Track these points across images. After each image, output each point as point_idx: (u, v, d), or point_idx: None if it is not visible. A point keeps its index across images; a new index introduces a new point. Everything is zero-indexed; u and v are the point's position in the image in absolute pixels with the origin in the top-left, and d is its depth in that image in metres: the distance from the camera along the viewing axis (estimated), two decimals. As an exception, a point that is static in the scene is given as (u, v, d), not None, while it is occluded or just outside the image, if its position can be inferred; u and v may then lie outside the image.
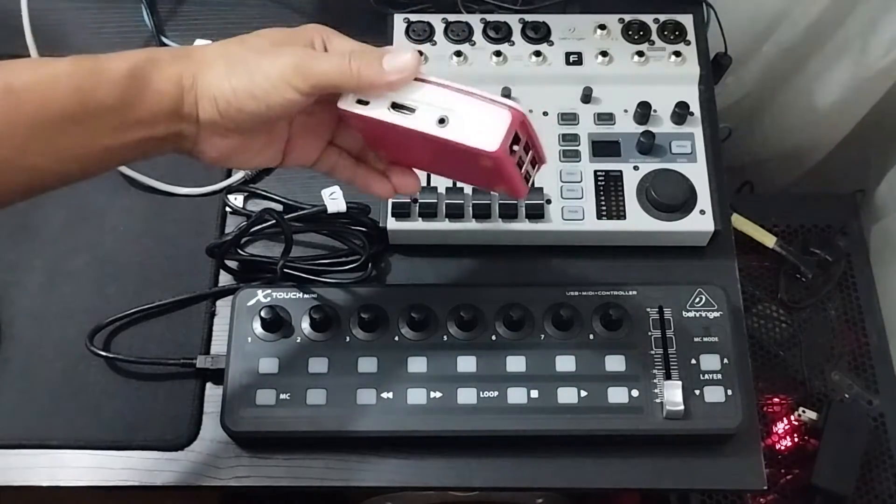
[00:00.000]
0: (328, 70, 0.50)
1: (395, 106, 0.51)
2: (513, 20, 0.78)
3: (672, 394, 0.64)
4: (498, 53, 0.76)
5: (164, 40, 0.84)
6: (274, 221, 0.69)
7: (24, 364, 0.70)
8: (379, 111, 0.51)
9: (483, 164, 0.51)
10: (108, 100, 0.48)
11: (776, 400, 0.94)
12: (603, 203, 0.71)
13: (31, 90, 0.47)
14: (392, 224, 0.70)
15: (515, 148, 0.51)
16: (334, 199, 0.70)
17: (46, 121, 0.47)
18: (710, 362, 0.65)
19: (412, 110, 0.51)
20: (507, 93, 0.74)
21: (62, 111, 0.47)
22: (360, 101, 0.52)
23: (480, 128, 0.49)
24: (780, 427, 0.93)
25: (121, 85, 0.48)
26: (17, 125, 0.46)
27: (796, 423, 0.92)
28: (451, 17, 0.78)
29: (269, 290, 0.68)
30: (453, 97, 0.50)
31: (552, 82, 0.75)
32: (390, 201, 0.70)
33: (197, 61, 0.50)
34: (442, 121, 0.50)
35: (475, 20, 0.78)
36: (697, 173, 0.72)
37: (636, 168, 0.72)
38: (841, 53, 0.94)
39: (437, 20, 0.78)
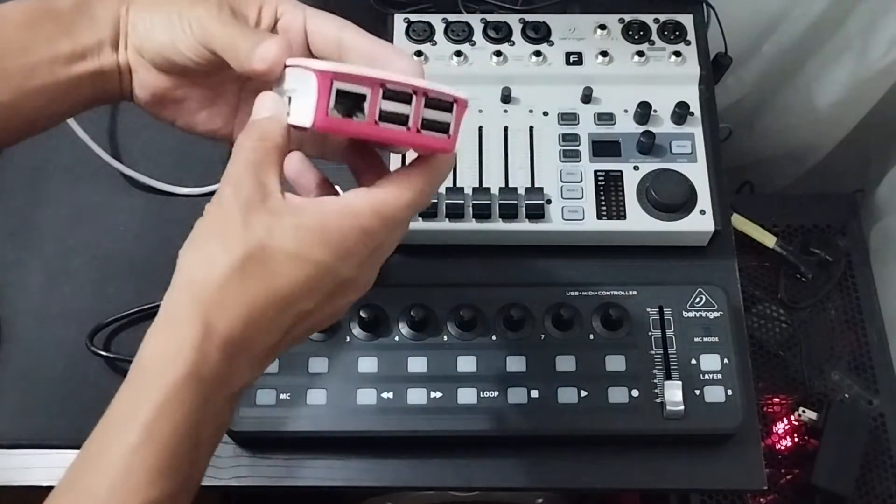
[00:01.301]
0: (218, 36, 0.46)
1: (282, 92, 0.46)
2: (513, 20, 0.78)
3: (672, 394, 0.64)
4: (498, 53, 0.76)
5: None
6: (274, 221, 0.69)
7: (24, 364, 0.70)
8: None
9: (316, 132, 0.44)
10: (57, 31, 0.48)
11: (776, 400, 0.94)
12: (603, 203, 0.71)
13: None
14: (392, 224, 0.70)
15: (365, 105, 0.42)
16: (334, 199, 0.70)
17: None
18: (710, 362, 0.65)
19: (289, 99, 0.45)
20: (507, 93, 0.74)
21: (14, 41, 0.48)
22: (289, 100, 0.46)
23: (303, 102, 0.43)
24: (780, 427, 0.93)
25: (68, 14, 0.49)
26: None
27: (796, 423, 0.92)
28: (451, 17, 0.78)
29: (269, 290, 0.68)
30: (294, 74, 0.44)
31: (552, 82, 0.75)
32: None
33: None
34: (290, 102, 0.45)
35: (475, 20, 0.78)
36: (697, 173, 0.72)
37: (636, 168, 0.72)
38: (841, 53, 0.94)
39: (437, 20, 0.78)
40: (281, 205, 0.43)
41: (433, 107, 0.44)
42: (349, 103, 0.42)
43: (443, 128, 0.44)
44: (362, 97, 0.42)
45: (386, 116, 0.43)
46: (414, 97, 0.43)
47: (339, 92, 0.42)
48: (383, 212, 0.44)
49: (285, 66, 0.46)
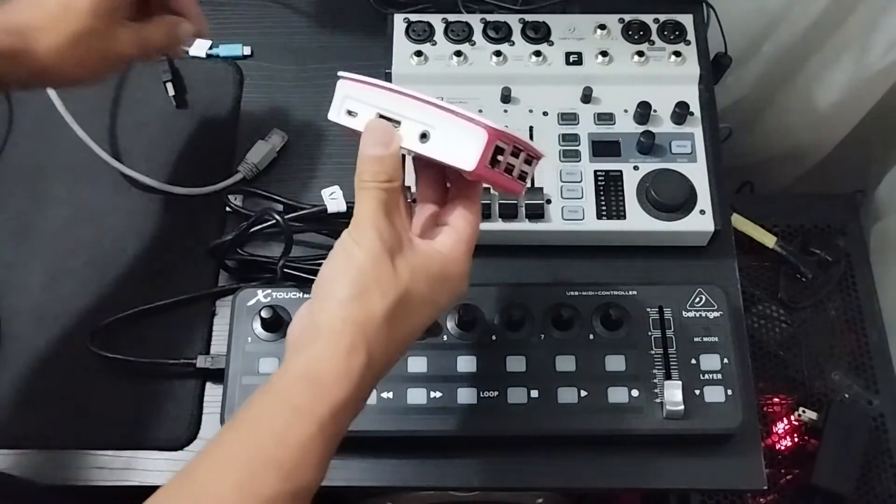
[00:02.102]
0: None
1: (382, 117, 0.52)
2: (513, 20, 0.78)
3: (672, 394, 0.64)
4: (498, 53, 0.76)
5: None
6: (274, 221, 0.69)
7: (24, 364, 0.70)
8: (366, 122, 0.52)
9: (468, 176, 0.51)
10: None
11: (776, 400, 0.94)
12: (603, 203, 0.71)
13: None
14: (392, 224, 0.70)
15: (500, 158, 0.51)
16: (334, 199, 0.70)
17: None
18: (710, 362, 0.65)
19: (398, 123, 0.51)
20: (507, 93, 0.74)
21: None
22: (349, 113, 0.53)
23: (459, 145, 0.50)
24: (780, 427, 0.93)
25: None
26: None
27: (796, 423, 0.92)
28: (451, 17, 0.78)
29: (269, 290, 0.68)
30: (433, 112, 0.51)
31: (552, 82, 0.75)
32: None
33: None
34: (424, 136, 0.51)
35: (475, 20, 0.78)
36: (697, 173, 0.72)
37: (636, 168, 0.72)
38: (841, 53, 0.94)
39: (437, 20, 0.78)
40: (413, 250, 0.51)
41: (527, 161, 0.54)
42: (494, 156, 0.51)
43: (524, 176, 0.54)
44: (502, 150, 0.51)
45: (507, 168, 0.52)
46: (521, 153, 0.53)
47: (495, 147, 0.51)
48: (470, 250, 0.54)
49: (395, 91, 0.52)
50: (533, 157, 0.54)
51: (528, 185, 0.56)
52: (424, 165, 0.56)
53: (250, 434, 0.47)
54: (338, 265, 0.50)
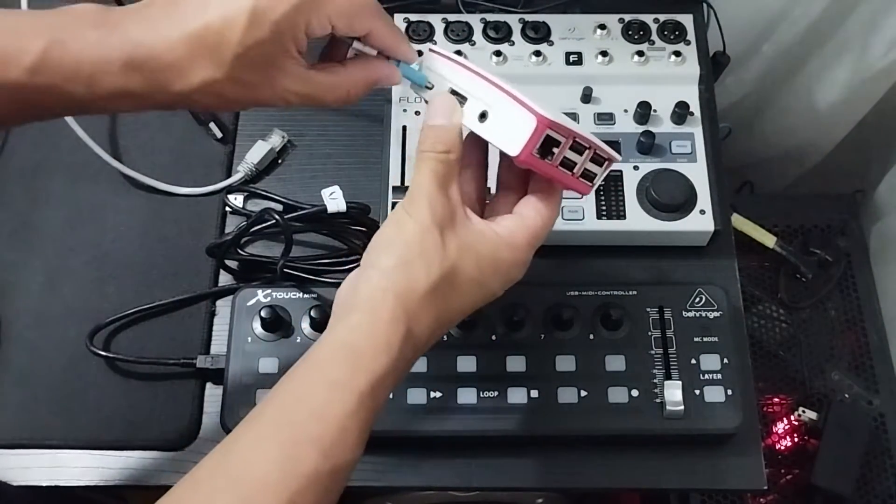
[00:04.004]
0: None
1: (453, 92, 0.53)
2: (513, 20, 0.78)
3: (672, 394, 0.64)
4: (498, 53, 0.76)
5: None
6: (274, 221, 0.69)
7: (24, 364, 0.70)
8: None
9: (516, 162, 0.51)
10: None
11: (776, 400, 0.94)
12: (603, 203, 0.71)
13: None
14: (392, 224, 0.70)
15: (555, 150, 0.50)
16: (334, 199, 0.70)
17: None
18: (710, 362, 0.65)
19: (464, 99, 0.52)
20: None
21: None
22: (426, 87, 0.55)
23: (510, 130, 0.50)
24: (780, 427, 0.93)
25: None
26: None
27: (796, 423, 0.92)
28: (451, 17, 0.78)
29: (269, 290, 0.68)
30: (495, 93, 0.51)
31: (552, 82, 0.75)
32: (390, 202, 0.70)
33: None
34: (483, 115, 0.51)
35: (475, 20, 0.78)
36: (697, 173, 0.72)
37: (636, 168, 0.72)
38: (841, 53, 0.94)
39: (437, 20, 0.78)
40: (465, 226, 0.51)
41: (594, 160, 0.53)
42: (547, 146, 0.50)
43: (591, 176, 0.53)
44: (557, 143, 0.50)
45: (564, 162, 0.51)
46: (587, 150, 0.52)
47: (546, 137, 0.49)
48: (534, 242, 0.52)
49: (465, 67, 0.52)
50: (604, 159, 0.53)
51: (595, 186, 0.54)
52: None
53: (289, 410, 0.47)
54: (387, 234, 0.50)
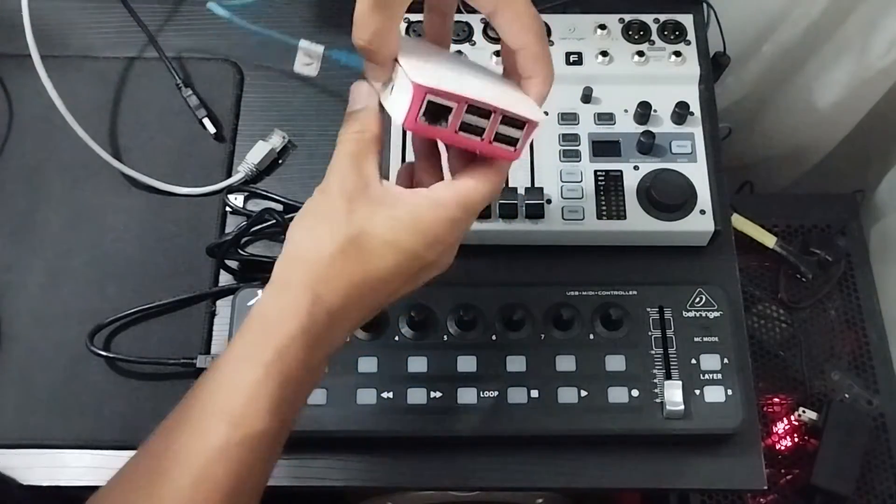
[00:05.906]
0: None
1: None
2: (513, 20, 0.78)
3: (672, 394, 0.64)
4: (498, 53, 0.76)
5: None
6: (274, 221, 0.69)
7: (24, 364, 0.70)
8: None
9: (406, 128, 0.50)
10: None
11: (776, 400, 0.94)
12: (603, 203, 0.71)
13: None
14: (392, 224, 0.70)
15: (449, 116, 0.48)
16: (334, 199, 0.70)
17: None
18: (710, 362, 0.65)
19: (391, 87, 0.51)
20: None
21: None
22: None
23: (399, 101, 0.49)
24: (780, 427, 0.93)
25: None
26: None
27: (796, 423, 0.92)
28: (451, 17, 0.78)
29: (269, 290, 0.68)
30: (397, 69, 0.50)
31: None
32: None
33: None
34: (391, 91, 0.51)
35: (475, 20, 0.78)
36: (697, 173, 0.72)
37: (636, 168, 0.72)
38: (841, 53, 0.94)
39: (437, 20, 0.78)
40: (379, 194, 0.50)
41: (508, 124, 0.50)
42: (437, 112, 0.48)
43: (512, 141, 0.50)
44: (449, 109, 0.48)
45: (465, 127, 0.49)
46: (493, 114, 0.49)
47: (429, 103, 0.48)
48: (466, 203, 0.50)
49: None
50: (521, 122, 0.50)
51: (521, 150, 0.51)
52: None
53: (201, 387, 0.48)
54: (300, 211, 0.51)
